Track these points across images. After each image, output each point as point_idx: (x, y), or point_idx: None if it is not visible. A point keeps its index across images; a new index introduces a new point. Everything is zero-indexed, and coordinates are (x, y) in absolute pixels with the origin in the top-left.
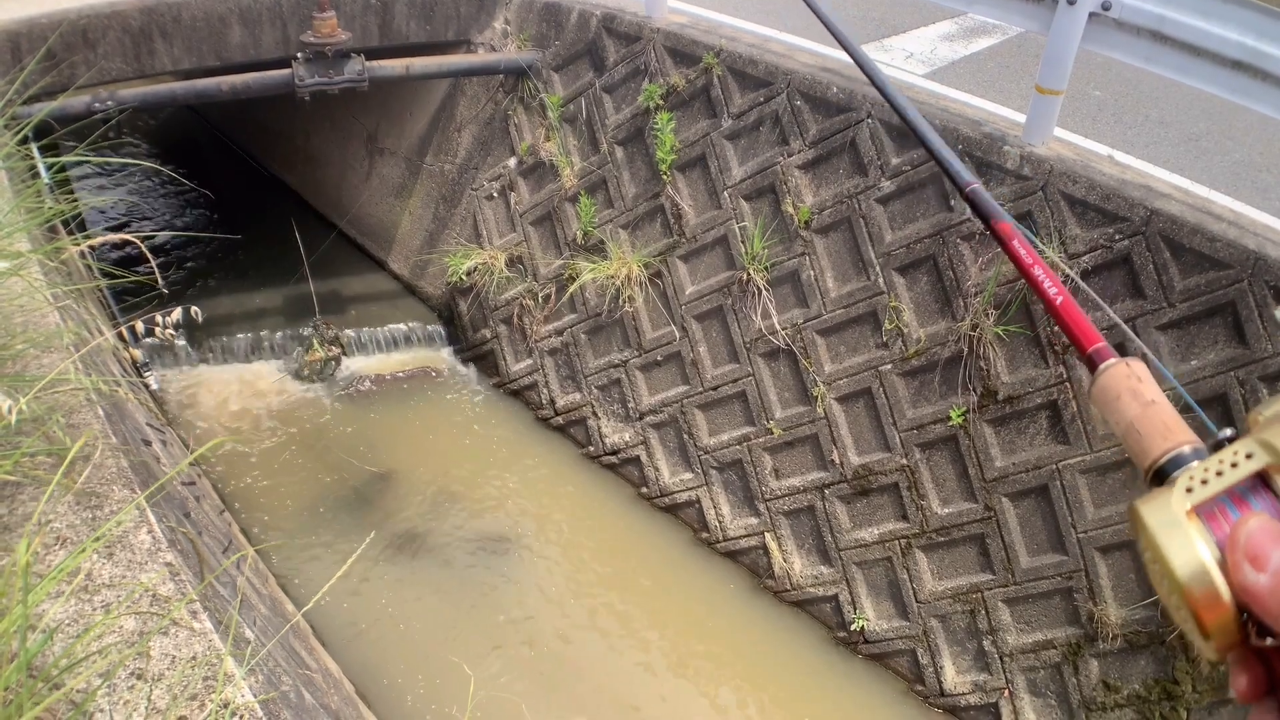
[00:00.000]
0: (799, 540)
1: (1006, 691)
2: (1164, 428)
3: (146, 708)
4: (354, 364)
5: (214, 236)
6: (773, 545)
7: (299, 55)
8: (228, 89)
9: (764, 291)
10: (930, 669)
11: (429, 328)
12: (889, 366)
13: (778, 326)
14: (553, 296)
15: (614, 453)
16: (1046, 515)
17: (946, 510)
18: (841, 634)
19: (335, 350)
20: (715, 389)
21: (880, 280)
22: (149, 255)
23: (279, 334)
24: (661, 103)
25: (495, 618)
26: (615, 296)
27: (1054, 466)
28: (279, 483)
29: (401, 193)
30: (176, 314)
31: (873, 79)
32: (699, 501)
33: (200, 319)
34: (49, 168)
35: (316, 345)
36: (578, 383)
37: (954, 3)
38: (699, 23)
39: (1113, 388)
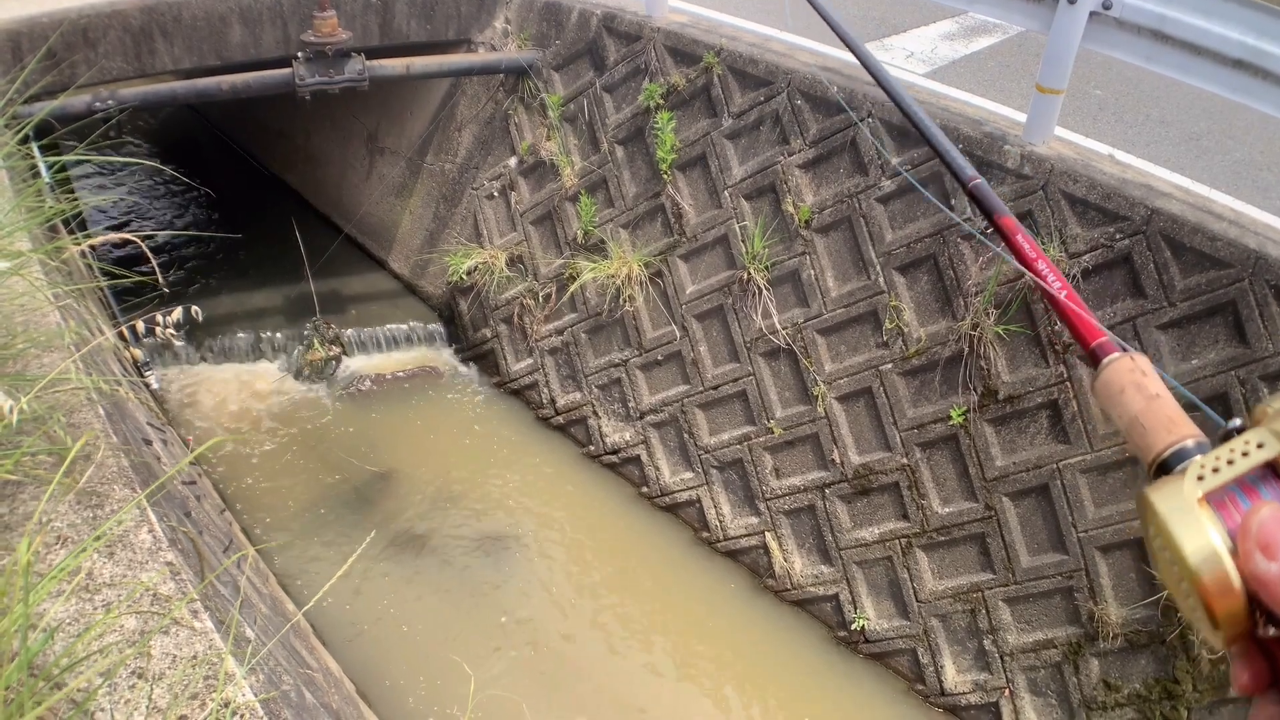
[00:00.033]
0: (799, 539)
1: (1007, 691)
2: (1168, 422)
3: (147, 707)
4: (354, 363)
5: (214, 236)
6: (773, 545)
7: (299, 54)
8: (228, 88)
9: (764, 291)
10: (931, 668)
11: (429, 327)
12: (889, 366)
13: (778, 326)
14: (553, 296)
15: (614, 452)
16: (1047, 514)
17: (947, 509)
18: (842, 633)
19: (336, 350)
20: (716, 388)
21: (881, 279)
22: (150, 254)
23: (279, 333)
24: (662, 102)
25: (496, 617)
26: (616, 296)
27: (1054, 466)
28: (279, 482)
29: (402, 192)
30: (177, 313)
31: (875, 74)
32: (699, 501)
33: (201, 318)
34: (50, 167)
35: (317, 345)
36: (578, 382)
37: (955, 2)
38: (699, 22)
39: (1116, 382)
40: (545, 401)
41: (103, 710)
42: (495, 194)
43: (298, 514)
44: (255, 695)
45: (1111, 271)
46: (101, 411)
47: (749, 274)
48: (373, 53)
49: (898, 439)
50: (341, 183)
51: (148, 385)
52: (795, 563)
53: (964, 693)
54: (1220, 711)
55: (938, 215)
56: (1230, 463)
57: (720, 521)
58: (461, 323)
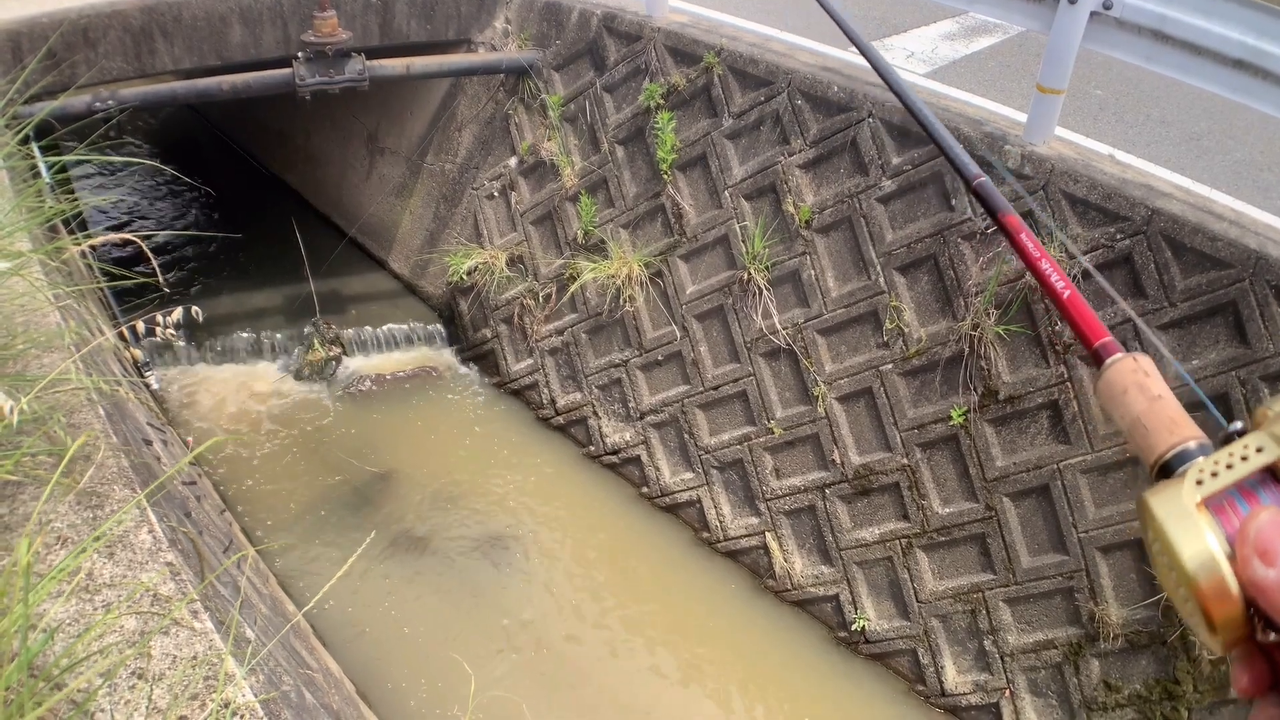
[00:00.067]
0: (800, 540)
1: (1007, 691)
2: (1170, 423)
3: (147, 707)
4: (354, 364)
5: (214, 236)
6: (773, 545)
7: (300, 54)
8: (228, 88)
9: (765, 291)
10: (931, 669)
11: (429, 327)
12: (890, 366)
13: (778, 326)
14: (553, 296)
15: (615, 452)
16: (1047, 515)
17: (947, 510)
18: (842, 634)
19: (336, 350)
20: (716, 388)
21: (881, 280)
22: (150, 255)
23: (279, 334)
24: (662, 102)
25: (496, 618)
26: (616, 296)
27: (1055, 466)
28: (279, 483)
29: (402, 192)
30: (177, 314)
31: (880, 71)
32: (700, 501)
33: (201, 318)
34: (50, 167)
35: (317, 345)
36: (578, 382)
37: (955, 2)
38: (700, 22)
39: (1119, 382)
40: (545, 402)
41: (103, 711)
42: (495, 194)
43: (298, 514)
44: (255, 696)
45: (1112, 272)
46: (101, 412)
47: (749, 274)
48: (373, 53)
49: (898, 439)
50: (341, 183)
51: (148, 385)
52: (796, 563)
53: (964, 693)
54: (1221, 712)
55: (938, 215)
56: (1229, 467)
57: (720, 522)
58: (462, 323)
